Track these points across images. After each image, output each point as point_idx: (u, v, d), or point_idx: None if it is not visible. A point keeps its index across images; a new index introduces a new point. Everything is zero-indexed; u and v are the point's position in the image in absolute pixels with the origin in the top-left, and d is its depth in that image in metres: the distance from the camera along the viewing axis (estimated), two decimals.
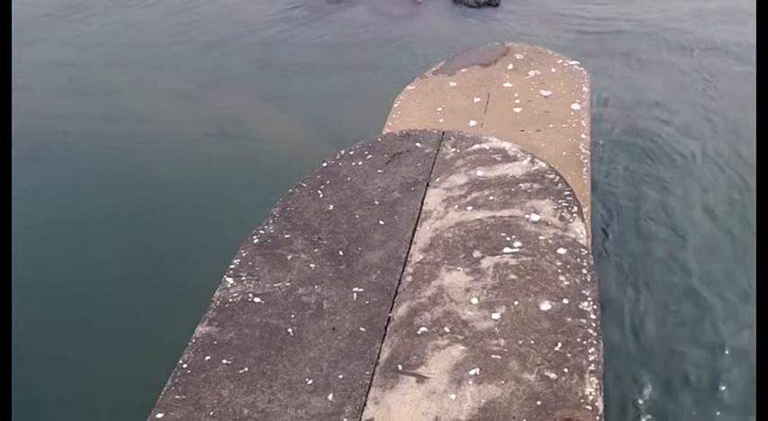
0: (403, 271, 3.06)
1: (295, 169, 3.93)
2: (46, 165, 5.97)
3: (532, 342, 2.67)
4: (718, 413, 3.79)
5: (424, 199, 3.45)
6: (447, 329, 2.76)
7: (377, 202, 3.45)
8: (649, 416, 3.79)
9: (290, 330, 2.83)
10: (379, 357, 2.70)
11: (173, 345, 2.93)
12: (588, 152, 4.13)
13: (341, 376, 2.63)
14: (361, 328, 2.82)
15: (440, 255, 3.11)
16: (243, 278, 3.07)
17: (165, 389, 2.63)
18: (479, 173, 3.56)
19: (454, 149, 3.76)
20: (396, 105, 4.65)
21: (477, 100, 4.62)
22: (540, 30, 7.57)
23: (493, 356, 2.64)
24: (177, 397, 2.60)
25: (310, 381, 2.62)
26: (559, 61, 4.98)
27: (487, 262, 3.04)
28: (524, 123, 4.37)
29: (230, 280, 3.07)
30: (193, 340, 2.81)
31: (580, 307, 2.79)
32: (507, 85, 4.76)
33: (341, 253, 3.17)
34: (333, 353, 2.72)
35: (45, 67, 7.48)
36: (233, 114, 6.52)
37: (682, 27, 7.47)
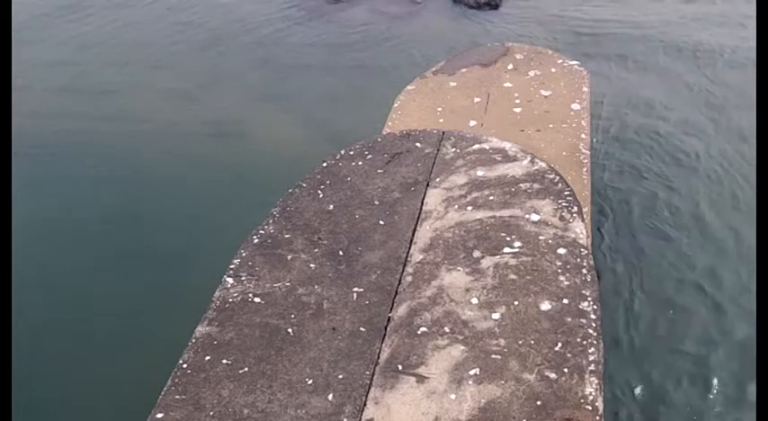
0: (403, 271, 3.06)
1: (295, 169, 3.93)
2: (45, 164, 5.97)
3: (532, 342, 2.67)
4: (716, 410, 3.80)
5: (424, 199, 3.45)
6: (447, 329, 2.76)
7: (377, 202, 3.45)
8: (644, 415, 3.80)
9: (290, 330, 2.83)
10: (379, 357, 2.70)
11: (173, 345, 2.93)
12: (588, 152, 4.13)
13: (341, 376, 2.63)
14: (361, 328, 2.82)
15: (440, 255, 3.11)
16: (243, 278, 3.07)
17: (165, 389, 2.63)
18: (479, 173, 3.56)
19: (454, 149, 3.76)
20: (396, 105, 4.65)
21: (477, 100, 4.62)
22: (540, 30, 7.57)
23: (493, 356, 2.64)
24: (177, 397, 2.60)
25: (310, 381, 2.62)
26: (559, 61, 4.98)
27: (487, 262, 3.04)
28: (524, 123, 4.36)
29: (230, 280, 3.07)
30: (193, 340, 2.81)
31: (580, 307, 2.79)
32: (507, 85, 4.76)
33: (341, 253, 3.17)
34: (333, 353, 2.72)
35: (44, 66, 7.47)
36: (232, 114, 6.52)
37: (681, 29, 7.47)
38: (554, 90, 4.66)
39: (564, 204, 3.30)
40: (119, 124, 6.44)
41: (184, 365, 2.71)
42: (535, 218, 3.23)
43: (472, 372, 2.59)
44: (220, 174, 5.72)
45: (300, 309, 2.92)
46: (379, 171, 3.66)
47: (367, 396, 2.56)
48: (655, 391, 3.91)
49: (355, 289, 2.99)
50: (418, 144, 3.83)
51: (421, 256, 3.12)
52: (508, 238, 3.14)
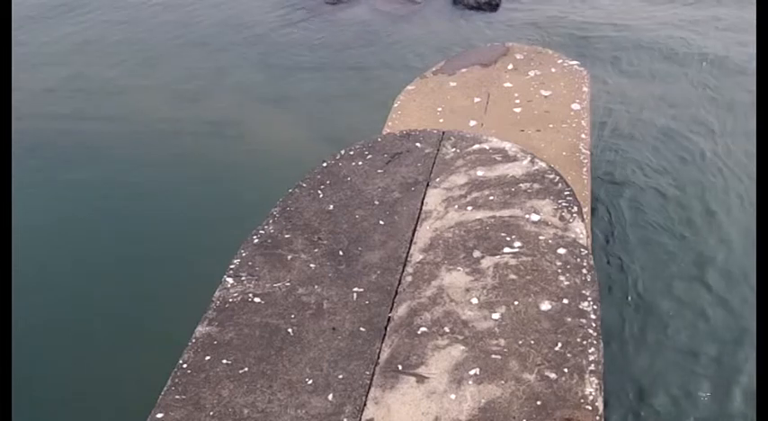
0: (403, 271, 3.06)
1: (295, 169, 3.93)
2: (45, 164, 5.98)
3: (532, 342, 2.67)
4: (713, 411, 3.80)
5: (424, 199, 3.45)
6: (447, 329, 2.76)
7: (377, 202, 3.45)
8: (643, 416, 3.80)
9: (290, 330, 2.83)
10: (379, 357, 2.70)
11: (173, 345, 2.93)
12: (588, 152, 4.13)
13: (341, 376, 2.63)
14: (361, 328, 2.82)
15: (440, 255, 3.11)
16: (243, 278, 3.07)
17: (165, 389, 2.63)
18: (479, 173, 3.56)
19: (454, 149, 3.76)
20: (396, 105, 4.65)
21: (477, 100, 4.62)
22: (540, 30, 7.57)
23: (493, 356, 2.64)
24: (177, 397, 2.60)
25: (310, 381, 2.62)
26: (559, 61, 4.98)
27: (487, 262, 3.04)
28: (524, 123, 4.37)
29: (230, 280, 3.07)
30: (193, 340, 2.81)
31: (580, 307, 2.79)
32: (507, 85, 4.76)
33: (341, 253, 3.17)
34: (333, 353, 2.72)
35: (44, 66, 7.48)
36: (232, 114, 6.52)
37: (680, 30, 7.48)
38: (554, 90, 4.66)
39: (564, 204, 3.30)
40: (119, 124, 6.44)
41: (184, 365, 2.71)
42: (535, 218, 3.23)
43: (472, 372, 2.59)
44: (220, 174, 5.73)
45: (300, 309, 2.92)
46: (379, 171, 3.66)
47: (367, 396, 2.56)
48: (654, 392, 3.91)
49: (355, 289, 2.99)
50: (418, 144, 3.83)
51: (421, 256, 3.12)
52: (508, 238, 3.14)
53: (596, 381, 2.51)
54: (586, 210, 3.66)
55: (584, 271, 2.95)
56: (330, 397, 2.56)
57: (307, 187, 3.58)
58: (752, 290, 4.37)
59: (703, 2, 7.94)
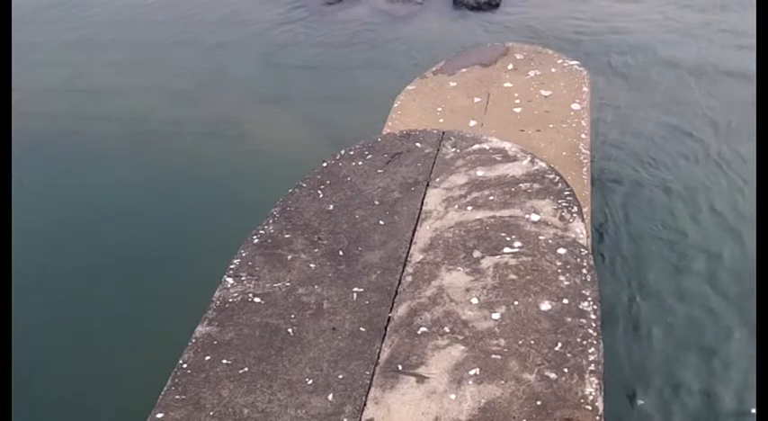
0: (403, 271, 3.06)
1: (295, 169, 3.93)
2: (45, 164, 5.98)
3: (532, 342, 2.67)
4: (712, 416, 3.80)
5: (424, 199, 3.45)
6: (447, 329, 2.76)
7: (377, 202, 3.45)
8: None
9: (290, 330, 2.83)
10: (379, 357, 2.70)
11: (173, 345, 2.93)
12: (588, 152, 4.13)
13: (341, 376, 2.63)
14: (361, 328, 2.82)
15: (440, 255, 3.11)
16: (243, 278, 3.07)
17: (165, 389, 2.63)
18: (479, 173, 3.56)
19: (454, 149, 3.76)
20: (396, 105, 4.65)
21: (477, 100, 4.62)
22: (540, 30, 7.56)
23: (493, 356, 2.64)
24: (177, 397, 2.60)
25: (310, 381, 2.62)
26: (559, 61, 4.98)
27: (487, 262, 3.04)
28: (524, 123, 4.37)
29: (230, 280, 3.07)
30: (193, 340, 2.81)
31: (580, 307, 2.79)
32: (507, 85, 4.76)
33: (341, 253, 3.17)
34: (333, 353, 2.72)
35: (44, 66, 7.48)
36: (233, 114, 6.52)
37: (683, 26, 7.48)
38: (554, 90, 4.66)
39: (564, 204, 3.30)
40: (118, 124, 6.45)
41: (184, 365, 2.71)
42: (535, 218, 3.23)
43: (472, 372, 2.59)
44: (220, 174, 5.73)
45: (300, 309, 2.92)
46: (379, 171, 3.66)
47: (367, 396, 2.56)
48: (652, 393, 3.91)
49: (355, 289, 2.99)
50: (418, 144, 3.83)
51: (421, 256, 3.12)
52: (508, 238, 3.14)
53: (596, 381, 2.51)
54: (586, 210, 3.66)
55: (584, 271, 2.95)
56: (330, 397, 2.56)
57: (307, 187, 3.58)
58: (753, 288, 4.37)
59: (706, 3, 7.93)
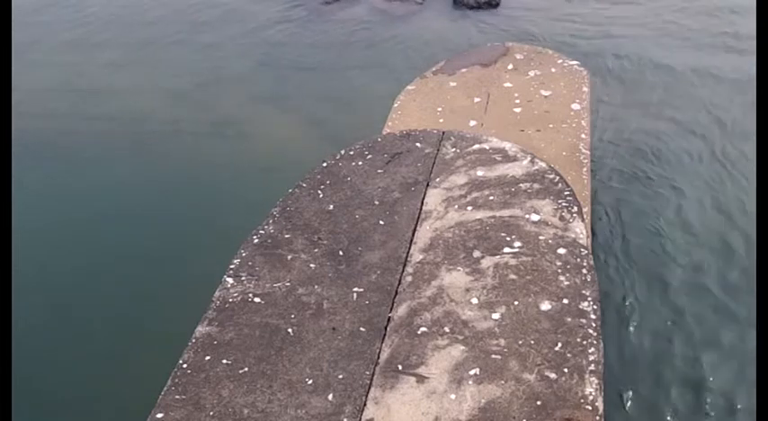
0: (403, 271, 3.06)
1: (295, 169, 3.93)
2: (45, 164, 5.98)
3: (532, 342, 2.67)
4: (711, 415, 3.79)
5: (424, 199, 3.45)
6: (447, 329, 2.76)
7: (377, 202, 3.45)
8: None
9: (290, 330, 2.83)
10: (379, 357, 2.70)
11: (173, 345, 2.93)
12: (588, 152, 4.13)
13: (341, 376, 2.63)
14: (361, 328, 2.82)
15: (440, 255, 3.11)
16: (243, 278, 3.07)
17: (165, 389, 2.63)
18: (479, 173, 3.56)
19: (454, 149, 3.76)
20: (396, 105, 4.65)
21: (477, 100, 4.62)
22: (540, 30, 7.57)
23: (493, 356, 2.64)
24: (177, 397, 2.60)
25: (310, 381, 2.62)
26: (559, 61, 4.98)
27: (487, 262, 3.04)
28: (524, 123, 4.37)
29: (230, 280, 3.07)
30: (193, 340, 2.81)
31: (580, 307, 2.79)
32: (507, 85, 4.76)
33: (341, 253, 3.17)
34: (333, 353, 2.72)
35: (44, 66, 7.48)
36: (233, 114, 6.52)
37: (680, 29, 7.48)
38: (554, 90, 4.66)
39: (564, 204, 3.30)
40: (118, 124, 6.45)
41: (184, 365, 2.71)
42: (535, 218, 3.23)
43: (472, 372, 2.59)
44: (220, 174, 5.73)
45: (300, 309, 2.92)
46: (379, 171, 3.66)
47: (367, 396, 2.56)
48: (651, 393, 3.91)
49: (355, 289, 2.99)
50: (418, 144, 3.83)
51: (421, 256, 3.12)
52: (508, 238, 3.14)
53: (596, 381, 2.51)
54: (586, 210, 3.66)
55: (584, 271, 2.95)
56: (330, 397, 2.56)
57: (307, 187, 3.58)
58: (752, 289, 4.37)
59: (703, 6, 7.93)
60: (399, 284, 3.00)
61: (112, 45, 7.89)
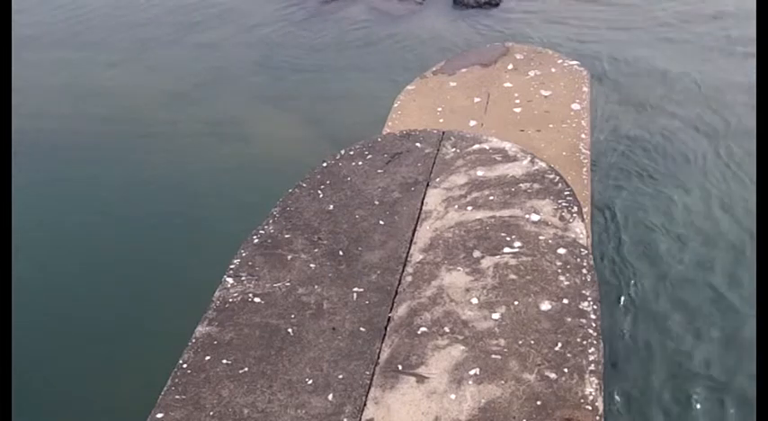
0: (403, 271, 3.06)
1: (295, 169, 3.92)
2: (45, 164, 5.97)
3: (532, 342, 2.67)
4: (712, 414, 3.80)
5: (424, 199, 3.45)
6: (447, 329, 2.76)
7: (377, 202, 3.45)
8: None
9: (290, 330, 2.83)
10: (379, 357, 2.70)
11: (173, 345, 2.93)
12: (588, 152, 4.13)
13: (341, 376, 2.63)
14: (361, 328, 2.82)
15: (440, 255, 3.11)
16: (243, 278, 3.07)
17: (165, 389, 2.63)
18: (479, 173, 3.56)
19: (454, 149, 3.76)
20: (396, 105, 4.65)
21: (477, 100, 4.62)
22: (540, 30, 7.57)
23: (493, 356, 2.64)
24: (177, 397, 2.60)
25: (310, 381, 2.62)
26: (559, 61, 4.98)
27: (487, 262, 3.04)
28: (524, 123, 4.37)
29: (230, 280, 3.07)
30: (193, 340, 2.81)
31: (580, 307, 2.79)
32: (507, 85, 4.76)
33: (341, 253, 3.17)
34: (333, 353, 2.72)
35: (44, 66, 7.47)
36: (233, 114, 6.52)
37: (681, 28, 7.48)
38: (554, 90, 4.66)
39: (564, 204, 3.30)
40: (118, 125, 6.44)
41: (184, 365, 2.71)
42: (535, 218, 3.23)
43: (472, 372, 2.59)
44: (220, 174, 5.73)
45: (300, 309, 2.92)
46: (379, 171, 3.66)
47: (367, 396, 2.56)
48: (651, 394, 3.91)
49: (355, 289, 2.99)
50: (418, 144, 3.83)
51: (421, 256, 3.12)
52: (508, 238, 3.14)
53: (596, 381, 2.51)
54: (586, 210, 3.66)
55: (584, 271, 2.95)
56: (330, 397, 2.56)
57: (307, 187, 3.58)
58: (753, 288, 4.37)
59: (702, 8, 7.94)
60: (399, 284, 3.00)
61: (112, 46, 7.88)
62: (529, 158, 3.63)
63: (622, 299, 4.43)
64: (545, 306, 2.81)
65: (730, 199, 5.16)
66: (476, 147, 3.76)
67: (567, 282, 2.90)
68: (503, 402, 2.47)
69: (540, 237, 3.12)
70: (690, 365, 4.03)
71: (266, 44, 7.73)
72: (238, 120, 6.42)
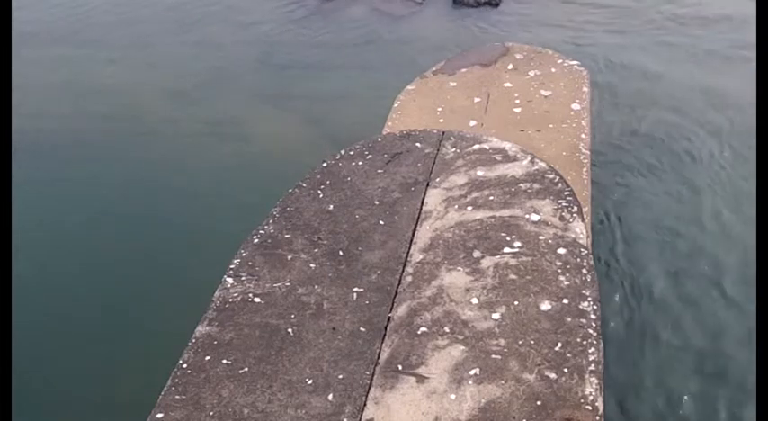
0: (403, 271, 3.06)
1: (295, 169, 3.92)
2: (45, 164, 5.98)
3: (532, 342, 2.67)
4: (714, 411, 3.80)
5: (424, 199, 3.45)
6: (447, 329, 2.76)
7: (377, 202, 3.45)
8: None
9: (290, 330, 2.83)
10: (379, 357, 2.70)
11: (173, 345, 2.93)
12: (588, 152, 4.13)
13: (341, 376, 2.63)
14: (361, 328, 2.82)
15: (440, 255, 3.11)
16: (243, 278, 3.08)
17: (165, 389, 2.63)
18: (479, 173, 3.56)
19: (454, 149, 3.76)
20: (396, 105, 4.65)
21: (477, 100, 4.62)
22: (540, 30, 7.57)
23: (493, 356, 2.64)
24: (177, 397, 2.60)
25: (310, 381, 2.62)
26: (559, 61, 4.98)
27: (487, 262, 3.04)
28: (524, 123, 4.37)
29: (230, 280, 3.07)
30: (193, 340, 2.81)
31: (580, 307, 2.79)
32: (507, 84, 4.76)
33: (341, 253, 3.17)
34: (333, 353, 2.72)
35: (44, 66, 7.47)
36: (233, 114, 6.52)
37: (681, 28, 7.48)
38: (554, 90, 4.66)
39: (564, 204, 3.30)
40: (118, 124, 6.44)
41: (184, 365, 2.71)
42: (535, 218, 3.23)
43: (472, 372, 2.59)
44: (220, 173, 5.73)
45: (300, 309, 2.92)
46: (379, 171, 3.66)
47: (367, 396, 2.56)
48: (650, 394, 3.91)
49: (355, 289, 2.99)
50: (418, 144, 3.83)
51: (421, 256, 3.12)
52: (508, 238, 3.14)
53: (596, 381, 2.51)
54: (586, 210, 3.66)
55: (584, 271, 2.95)
56: (330, 397, 2.57)
57: (307, 187, 3.58)
58: (753, 286, 4.37)
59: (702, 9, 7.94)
60: (399, 284, 3.00)
61: (112, 44, 7.88)
62: (529, 158, 3.63)
63: (622, 298, 4.43)
64: (545, 306, 2.81)
65: (730, 199, 5.16)
66: (476, 147, 3.76)
67: (566, 282, 2.90)
68: (503, 402, 2.48)
69: (540, 237, 3.13)
70: (690, 365, 4.04)
71: (266, 42, 7.73)
72: (238, 120, 6.42)
